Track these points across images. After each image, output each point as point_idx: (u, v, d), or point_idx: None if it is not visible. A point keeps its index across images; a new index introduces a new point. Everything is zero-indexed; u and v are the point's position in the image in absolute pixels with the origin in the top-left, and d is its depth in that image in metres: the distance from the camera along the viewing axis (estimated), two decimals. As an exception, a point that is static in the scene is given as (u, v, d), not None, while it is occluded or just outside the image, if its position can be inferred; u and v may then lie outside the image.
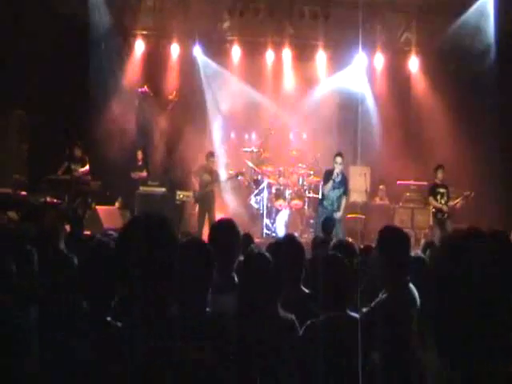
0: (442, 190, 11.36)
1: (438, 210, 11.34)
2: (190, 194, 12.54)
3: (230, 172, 12.95)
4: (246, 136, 14.60)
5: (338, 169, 10.77)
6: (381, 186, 14.13)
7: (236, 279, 3.57)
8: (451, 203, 11.32)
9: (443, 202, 11.28)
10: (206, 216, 11.80)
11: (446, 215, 11.27)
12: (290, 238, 4.20)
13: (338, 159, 10.83)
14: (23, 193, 10.55)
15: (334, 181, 10.80)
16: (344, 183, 11.02)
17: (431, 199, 11.49)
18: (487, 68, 12.58)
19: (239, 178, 12.72)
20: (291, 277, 3.77)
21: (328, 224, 8.32)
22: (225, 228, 3.87)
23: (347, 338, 3.15)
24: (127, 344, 2.07)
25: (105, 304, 2.73)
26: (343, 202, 11.06)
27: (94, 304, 2.76)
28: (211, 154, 12.22)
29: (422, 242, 11.91)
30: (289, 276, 3.69)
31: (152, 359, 1.99)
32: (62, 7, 12.21)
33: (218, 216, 11.52)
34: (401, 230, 4.09)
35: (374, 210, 13.53)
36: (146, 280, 2.03)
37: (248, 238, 6.71)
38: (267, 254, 3.39)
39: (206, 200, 11.93)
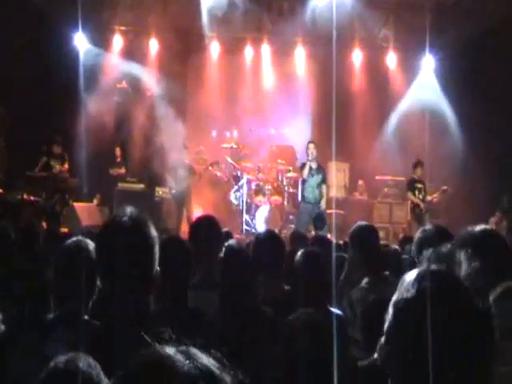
0: (419, 186, 11.50)
1: (416, 205, 11.47)
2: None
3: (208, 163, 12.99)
4: (227, 133, 14.61)
5: (311, 154, 11.02)
6: (360, 182, 14.26)
7: (216, 276, 3.53)
8: (429, 198, 11.48)
9: (421, 197, 11.42)
10: (184, 212, 11.78)
11: (423, 210, 11.39)
12: (270, 235, 4.20)
13: (311, 145, 11.17)
14: (0, 190, 10.43)
15: (310, 166, 11.01)
16: (321, 171, 11.28)
17: (409, 194, 11.61)
18: (463, 63, 12.71)
19: (213, 167, 12.67)
20: (271, 274, 3.78)
21: (319, 221, 8.33)
22: (205, 225, 3.88)
23: (328, 333, 3.05)
24: (107, 343, 2.05)
25: (83, 303, 2.73)
26: (324, 190, 11.28)
27: (71, 303, 2.75)
28: (184, 146, 12.23)
29: (400, 236, 12.07)
30: (269, 273, 3.71)
31: (133, 358, 1.97)
32: (37, 3, 12.10)
33: (196, 212, 11.56)
34: (369, 227, 4.21)
35: (353, 206, 13.64)
36: (127, 280, 2.02)
37: (227, 235, 6.81)
38: (245, 250, 3.46)
39: (183, 196, 11.99)
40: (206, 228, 3.82)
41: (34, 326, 2.81)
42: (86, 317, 2.69)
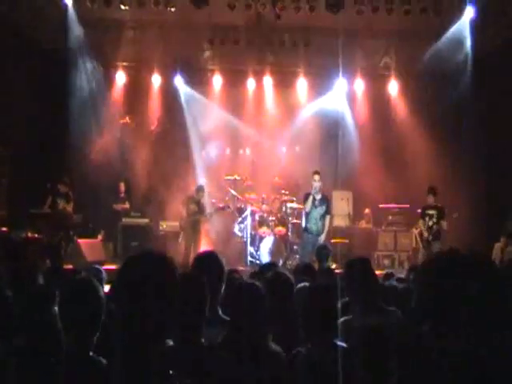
0: (430, 212, 11.56)
1: (421, 233, 11.61)
2: (173, 223, 12.62)
3: (219, 205, 13.03)
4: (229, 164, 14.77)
5: (316, 185, 11.04)
6: (366, 210, 14.31)
7: (220, 312, 3.61)
8: (444, 224, 11.47)
9: (431, 223, 11.45)
10: (192, 248, 11.91)
11: (430, 237, 11.44)
12: (277, 274, 4.30)
13: (316, 177, 11.16)
14: (4, 229, 10.59)
15: (313, 197, 11.05)
16: (325, 202, 11.28)
17: (420, 221, 11.77)
18: (464, 91, 12.85)
19: (227, 210, 12.82)
20: (279, 310, 3.84)
21: (321, 252, 8.30)
22: (208, 261, 3.89)
23: (334, 367, 3.13)
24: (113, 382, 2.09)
25: (88, 339, 2.79)
26: (326, 222, 11.29)
27: (76, 339, 2.81)
28: (201, 189, 12.47)
29: (406, 264, 12.13)
30: (278, 309, 3.79)
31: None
32: (42, 41, 12.41)
33: (203, 247, 11.64)
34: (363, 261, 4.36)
35: (357, 234, 13.72)
36: (146, 317, 2.04)
37: (232, 272, 6.84)
38: (259, 285, 3.44)
39: (192, 229, 12.11)
40: (208, 264, 3.83)
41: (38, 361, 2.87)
42: (91, 353, 2.75)
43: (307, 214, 11.31)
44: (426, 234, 11.53)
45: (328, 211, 11.39)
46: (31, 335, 3.24)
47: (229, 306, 3.44)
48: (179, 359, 2.40)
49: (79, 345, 2.77)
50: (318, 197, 11.17)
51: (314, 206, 11.13)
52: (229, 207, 12.82)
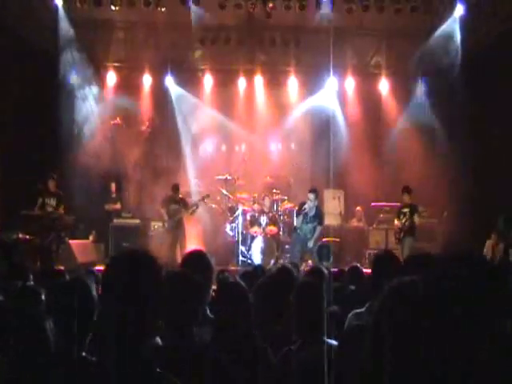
0: (404, 210, 11.76)
1: (396, 231, 11.83)
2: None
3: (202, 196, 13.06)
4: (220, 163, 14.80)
5: (309, 205, 11.15)
6: (358, 208, 14.38)
7: (208, 311, 3.61)
8: (407, 225, 11.59)
9: (404, 220, 11.64)
10: (178, 246, 11.98)
11: (402, 234, 11.62)
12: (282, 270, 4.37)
13: (311, 196, 11.25)
14: (-5, 230, 10.60)
15: (305, 215, 11.18)
16: (318, 217, 11.42)
17: (396, 220, 11.96)
18: (455, 88, 12.90)
19: (205, 200, 12.82)
20: (273, 311, 3.87)
21: (322, 251, 8.18)
22: (196, 260, 3.87)
23: (323, 364, 3.12)
24: (105, 381, 2.10)
25: (80, 339, 2.80)
26: (317, 233, 11.48)
27: (68, 340, 2.80)
28: (176, 187, 12.45)
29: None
30: (270, 310, 3.84)
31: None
32: (33, 43, 12.40)
33: (191, 245, 11.66)
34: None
35: (349, 233, 13.79)
36: (131, 316, 2.04)
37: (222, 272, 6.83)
38: (242, 283, 3.46)
39: (176, 229, 12.20)
40: (196, 263, 3.79)
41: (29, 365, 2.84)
42: (84, 354, 2.77)
43: (295, 229, 11.51)
44: (399, 233, 11.71)
45: (320, 223, 11.54)
46: (17, 335, 3.18)
47: (215, 306, 3.46)
48: (169, 359, 2.42)
49: (71, 345, 2.78)
50: (312, 213, 11.31)
51: (305, 222, 11.27)
52: (207, 196, 12.84)
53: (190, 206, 12.59)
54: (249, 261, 12.29)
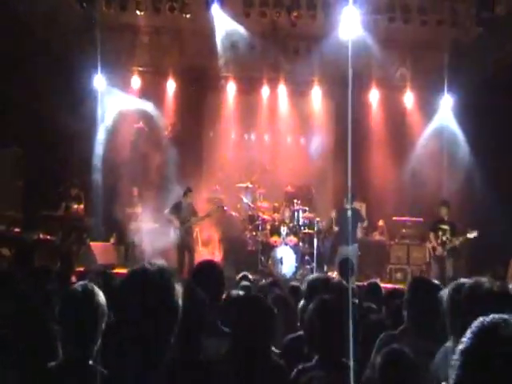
0: (444, 227, 11.33)
1: (433, 248, 11.45)
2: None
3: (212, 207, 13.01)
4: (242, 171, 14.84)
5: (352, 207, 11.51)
6: (380, 222, 14.34)
7: (219, 323, 3.59)
8: (456, 242, 11.22)
9: (444, 238, 11.26)
10: (186, 255, 11.81)
11: (445, 253, 11.25)
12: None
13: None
14: (17, 229, 10.71)
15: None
16: (355, 214, 11.56)
17: (431, 235, 11.53)
18: (482, 103, 12.78)
19: (217, 211, 12.75)
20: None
21: (344, 267, 7.70)
22: (207, 271, 3.87)
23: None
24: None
25: (87, 348, 2.81)
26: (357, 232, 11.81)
27: (75, 347, 2.83)
28: (189, 190, 12.16)
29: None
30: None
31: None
32: (56, 43, 12.57)
33: (209, 252, 11.62)
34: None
35: (370, 247, 13.64)
36: (146, 329, 2.06)
37: (243, 278, 6.83)
38: (264, 298, 3.44)
39: (185, 237, 11.96)
40: (207, 274, 3.80)
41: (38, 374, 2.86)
42: (91, 362, 2.78)
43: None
44: (439, 250, 11.31)
45: (360, 220, 11.93)
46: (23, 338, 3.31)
47: (231, 318, 3.39)
48: (177, 374, 2.40)
49: (78, 353, 2.79)
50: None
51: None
52: (222, 207, 12.85)
53: (198, 215, 12.33)
54: (268, 271, 12.28)
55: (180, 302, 2.15)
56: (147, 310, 2.05)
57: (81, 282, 3.05)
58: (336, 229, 12.10)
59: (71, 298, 2.93)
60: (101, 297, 2.91)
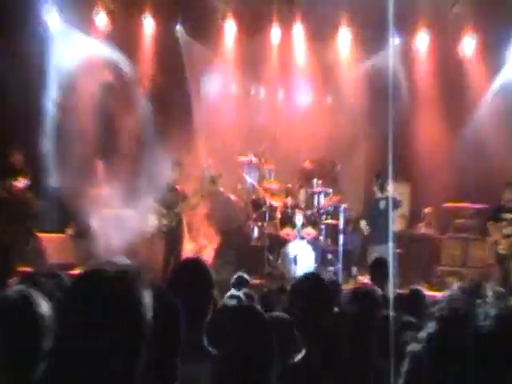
0: (509, 216, 11.30)
1: (495, 242, 11.41)
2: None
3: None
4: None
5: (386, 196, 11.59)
6: (427, 210, 14.26)
7: (204, 342, 3.60)
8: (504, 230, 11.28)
9: (510, 231, 11.23)
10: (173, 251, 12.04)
11: (505, 250, 11.26)
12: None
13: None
14: None
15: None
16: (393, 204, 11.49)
17: (490, 225, 11.54)
18: None
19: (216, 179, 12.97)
20: None
21: (377, 270, 8.04)
22: (190, 273, 3.83)
23: None
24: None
25: (24, 373, 2.72)
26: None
27: (9, 373, 2.76)
28: (176, 163, 12.24)
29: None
30: None
31: None
32: None
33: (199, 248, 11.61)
34: None
35: (414, 242, 13.65)
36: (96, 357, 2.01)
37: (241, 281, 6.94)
38: (258, 312, 3.35)
39: (171, 229, 12.12)
40: (191, 278, 3.77)
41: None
42: None
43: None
44: (501, 246, 11.32)
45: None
46: None
47: (218, 335, 3.39)
48: None
49: (14, 380, 2.76)
50: (382, 206, 11.68)
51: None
52: (220, 176, 13.03)
53: (188, 198, 12.39)
54: (278, 272, 12.43)
55: (148, 316, 2.10)
56: (97, 330, 2.01)
57: (19, 287, 3.04)
58: (363, 224, 12.00)
59: (6, 309, 2.87)
60: (43, 307, 2.87)
